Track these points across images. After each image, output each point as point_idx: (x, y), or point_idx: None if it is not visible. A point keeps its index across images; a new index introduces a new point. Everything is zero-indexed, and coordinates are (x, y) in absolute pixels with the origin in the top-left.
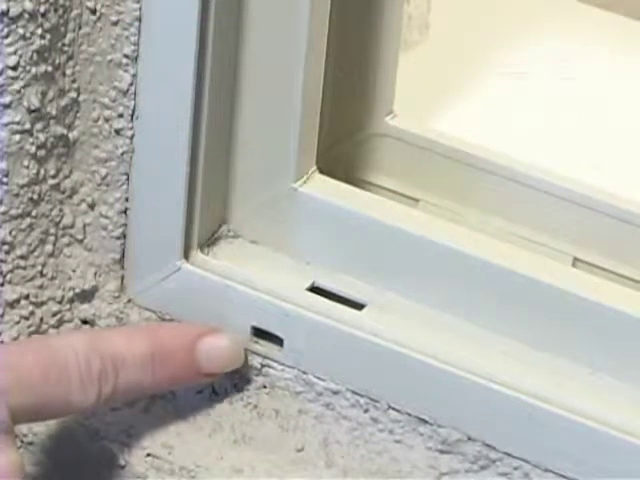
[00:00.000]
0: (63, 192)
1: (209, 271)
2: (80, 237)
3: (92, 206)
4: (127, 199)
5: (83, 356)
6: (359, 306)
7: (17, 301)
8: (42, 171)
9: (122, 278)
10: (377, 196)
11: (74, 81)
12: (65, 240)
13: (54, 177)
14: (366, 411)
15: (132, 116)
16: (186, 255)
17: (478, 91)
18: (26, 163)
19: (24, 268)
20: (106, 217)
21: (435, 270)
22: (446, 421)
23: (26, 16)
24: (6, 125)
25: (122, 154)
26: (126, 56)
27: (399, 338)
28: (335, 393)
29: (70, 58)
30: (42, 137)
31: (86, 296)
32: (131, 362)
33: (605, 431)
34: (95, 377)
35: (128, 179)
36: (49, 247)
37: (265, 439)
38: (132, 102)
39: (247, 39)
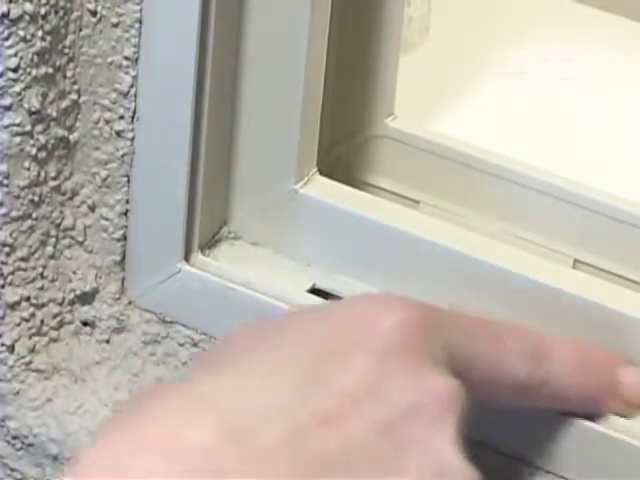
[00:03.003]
0: (64, 194)
1: (210, 273)
2: (81, 239)
3: (93, 208)
4: (128, 201)
5: (516, 329)
6: None
7: (18, 303)
8: (43, 173)
9: (123, 280)
10: (377, 198)
11: (75, 83)
12: (66, 242)
13: (55, 179)
14: None
15: (133, 118)
16: (187, 257)
17: (478, 92)
18: (27, 165)
19: (25, 270)
20: (107, 219)
21: (436, 271)
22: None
23: (26, 18)
24: (6, 127)
25: (123, 156)
26: (127, 58)
27: None
28: None
29: (71, 60)
30: (43, 139)
31: (87, 298)
32: (559, 354)
33: (606, 432)
34: (529, 352)
35: (129, 181)
36: (50, 249)
37: None
38: (133, 104)
39: (248, 41)
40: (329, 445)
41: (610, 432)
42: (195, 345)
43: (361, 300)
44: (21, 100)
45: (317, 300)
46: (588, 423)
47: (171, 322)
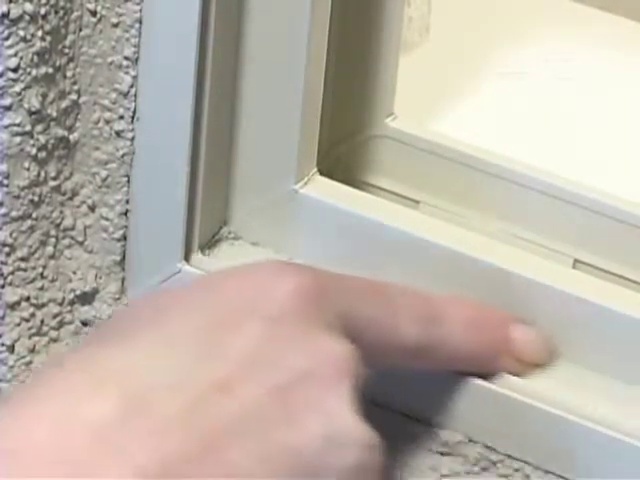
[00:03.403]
0: (64, 194)
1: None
2: (81, 239)
3: (93, 208)
4: (128, 201)
5: (408, 293)
6: None
7: (18, 303)
8: (43, 173)
9: (123, 280)
10: (377, 198)
11: (75, 83)
12: (66, 242)
13: (55, 179)
14: None
15: (133, 118)
16: (187, 257)
17: (478, 92)
18: (27, 165)
19: (25, 270)
20: (107, 219)
21: (436, 271)
22: (447, 423)
23: (26, 18)
24: (6, 127)
25: (123, 156)
26: (127, 58)
27: None
28: None
29: (71, 60)
30: (43, 139)
31: (87, 298)
32: (451, 315)
33: (606, 432)
34: (421, 314)
35: (129, 181)
36: (50, 249)
37: None
38: (133, 104)
39: (248, 41)
40: (228, 411)
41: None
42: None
43: (254, 267)
44: (21, 100)
45: None
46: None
47: None
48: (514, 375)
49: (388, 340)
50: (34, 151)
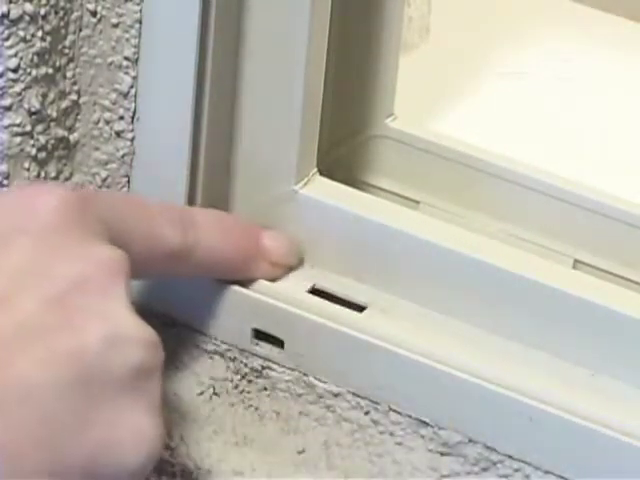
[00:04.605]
0: None
1: None
2: None
3: None
4: None
5: (164, 204)
6: (360, 308)
7: None
8: (43, 173)
9: None
10: (378, 198)
11: (75, 83)
12: None
13: (55, 179)
14: (367, 413)
15: (132, 118)
16: None
17: (478, 92)
18: (27, 165)
19: None
20: None
21: (436, 272)
22: (447, 423)
23: (27, 18)
24: (7, 127)
25: (123, 156)
26: (127, 58)
27: (400, 340)
28: (336, 395)
29: (71, 60)
30: (43, 139)
31: None
32: (204, 223)
33: (606, 433)
34: (177, 221)
35: (129, 181)
36: None
37: (266, 441)
38: (132, 104)
39: (248, 41)
40: (8, 324)
41: (611, 434)
42: (197, 345)
43: (13, 190)
44: (21, 100)
45: (317, 300)
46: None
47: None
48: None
49: (150, 247)
50: (34, 151)
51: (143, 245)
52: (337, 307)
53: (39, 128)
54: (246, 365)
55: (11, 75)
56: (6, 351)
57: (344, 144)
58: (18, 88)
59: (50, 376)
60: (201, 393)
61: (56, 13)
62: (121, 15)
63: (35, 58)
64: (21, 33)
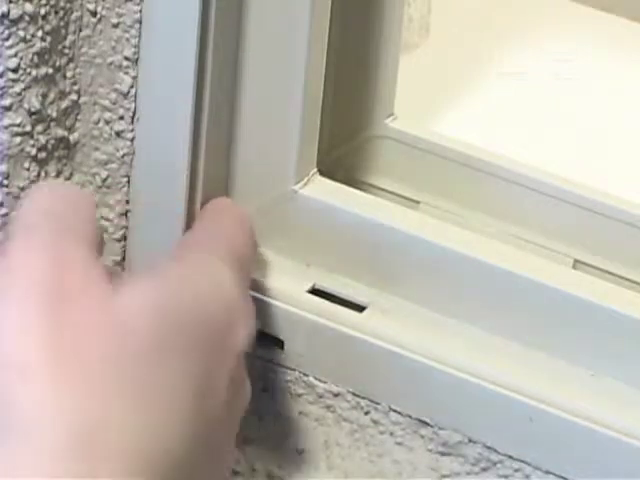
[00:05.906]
0: None
1: None
2: None
3: None
4: (128, 201)
5: None
6: (360, 308)
7: None
8: (43, 173)
9: None
10: (378, 198)
11: (75, 83)
12: None
13: (55, 179)
14: (367, 413)
15: (133, 118)
16: None
17: (478, 92)
18: (27, 165)
19: None
20: (107, 219)
21: (436, 272)
22: (447, 423)
23: (26, 18)
24: (6, 127)
25: (123, 156)
26: (127, 58)
27: (400, 340)
28: (336, 395)
29: (71, 60)
30: (43, 139)
31: None
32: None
33: (606, 433)
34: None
35: (129, 181)
36: None
37: (266, 441)
38: (133, 104)
39: (248, 41)
40: None
41: (611, 434)
42: None
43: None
44: (21, 100)
45: (317, 300)
46: (589, 425)
47: None
48: None
49: None
50: (34, 151)
51: None
52: (337, 307)
53: (39, 128)
54: (246, 365)
55: (11, 75)
56: None
57: (344, 144)
58: (18, 88)
59: None
60: None
61: (56, 13)
62: (121, 15)
63: (35, 58)
64: (21, 33)
